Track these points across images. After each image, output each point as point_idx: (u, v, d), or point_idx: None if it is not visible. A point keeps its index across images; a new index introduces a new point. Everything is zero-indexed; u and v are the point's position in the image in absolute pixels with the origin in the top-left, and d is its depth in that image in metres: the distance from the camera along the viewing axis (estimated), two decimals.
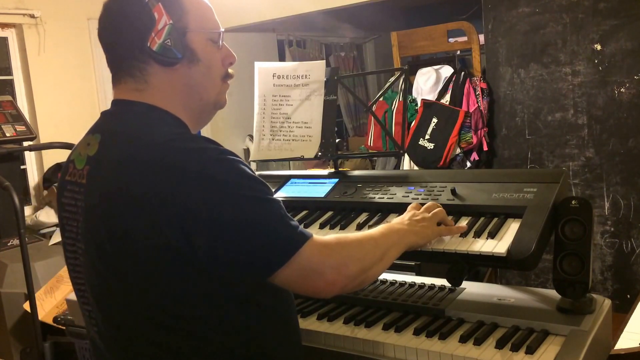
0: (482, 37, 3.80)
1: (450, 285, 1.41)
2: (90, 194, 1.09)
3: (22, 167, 4.21)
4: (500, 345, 1.18)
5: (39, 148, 3.80)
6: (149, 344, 1.07)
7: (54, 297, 2.98)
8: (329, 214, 1.58)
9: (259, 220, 1.02)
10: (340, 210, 1.58)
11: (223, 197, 1.00)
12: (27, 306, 2.91)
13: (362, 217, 1.52)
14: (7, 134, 3.41)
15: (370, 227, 1.45)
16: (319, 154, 1.76)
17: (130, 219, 1.01)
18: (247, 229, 1.01)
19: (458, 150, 3.74)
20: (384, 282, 1.56)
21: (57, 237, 3.53)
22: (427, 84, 3.96)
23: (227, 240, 1.00)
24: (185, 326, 1.05)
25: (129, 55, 1.12)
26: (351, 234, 1.31)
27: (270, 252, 1.02)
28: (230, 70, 1.23)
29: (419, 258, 1.42)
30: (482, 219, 1.37)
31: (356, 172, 1.74)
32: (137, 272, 1.04)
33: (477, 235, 1.31)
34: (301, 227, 1.07)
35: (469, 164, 3.74)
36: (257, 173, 1.83)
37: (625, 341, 1.45)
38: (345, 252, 1.10)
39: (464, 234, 1.33)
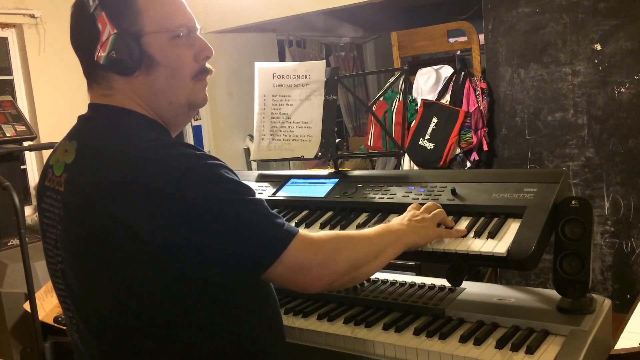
0: (482, 37, 3.80)
1: (450, 285, 1.41)
2: (68, 203, 1.07)
3: (22, 167, 4.22)
4: (500, 345, 1.18)
5: (39, 148, 3.80)
6: (129, 350, 1.06)
7: (54, 297, 2.98)
8: (329, 214, 1.58)
9: (244, 221, 1.01)
10: (340, 210, 1.58)
11: (206, 203, 0.99)
12: (27, 306, 2.91)
13: (362, 217, 1.52)
14: (7, 134, 3.41)
15: (370, 227, 1.45)
16: (319, 154, 1.76)
17: (107, 230, 1.00)
18: (234, 231, 1.00)
19: (458, 150, 3.74)
20: (384, 282, 1.56)
21: None
22: (427, 84, 3.96)
23: (213, 245, 0.99)
24: (165, 332, 1.04)
25: (88, 64, 1.11)
26: (345, 231, 1.30)
27: (258, 252, 1.02)
28: (207, 65, 1.16)
29: (419, 258, 1.42)
30: (482, 219, 1.37)
31: (356, 172, 1.74)
32: (117, 279, 1.02)
33: (477, 235, 1.31)
34: (287, 223, 1.07)
35: (469, 164, 3.74)
36: (257, 173, 1.85)
37: (625, 341, 1.45)
38: (334, 248, 1.10)
39: (463, 235, 1.33)
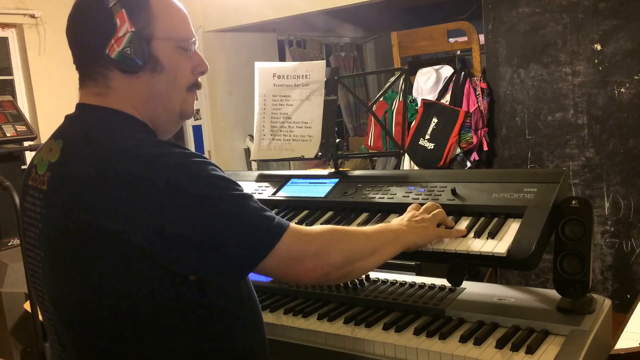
0: (482, 37, 3.81)
1: (450, 285, 1.41)
2: (51, 203, 1.06)
3: (22, 167, 4.21)
4: (500, 345, 1.18)
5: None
6: (105, 351, 1.06)
7: None
8: (329, 214, 1.58)
9: (236, 215, 1.02)
10: (340, 210, 1.58)
11: (194, 202, 0.99)
12: (27, 306, 2.91)
13: (362, 217, 1.52)
14: (8, 134, 3.41)
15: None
16: (319, 154, 1.76)
17: (92, 224, 0.99)
18: (226, 225, 1.00)
19: (458, 150, 3.74)
20: (384, 282, 1.56)
21: None
22: (427, 84, 3.96)
23: (206, 239, 0.99)
24: (145, 336, 1.04)
25: (90, 59, 1.10)
26: (342, 226, 1.31)
27: (251, 246, 1.02)
28: (199, 80, 1.19)
29: (419, 258, 1.42)
30: (482, 219, 1.37)
31: (356, 172, 1.74)
32: (98, 275, 1.01)
33: (477, 235, 1.31)
34: (278, 217, 1.07)
35: (469, 164, 3.74)
36: (257, 173, 1.85)
37: (625, 341, 1.45)
38: (328, 240, 1.11)
39: (463, 234, 1.33)
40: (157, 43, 1.10)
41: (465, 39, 4.01)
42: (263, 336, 1.22)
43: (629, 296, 3.31)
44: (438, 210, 1.34)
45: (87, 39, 1.09)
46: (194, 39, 1.16)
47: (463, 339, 1.21)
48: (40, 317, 2.75)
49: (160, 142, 1.08)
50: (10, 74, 4.35)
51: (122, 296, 1.01)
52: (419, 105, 3.90)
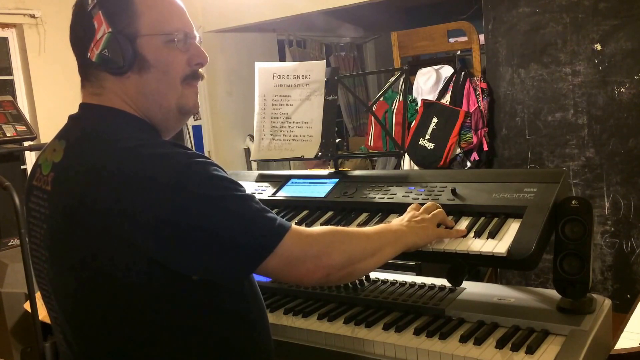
0: (482, 37, 3.81)
1: (450, 285, 1.41)
2: (55, 202, 1.07)
3: (22, 167, 4.21)
4: (500, 345, 1.18)
5: (39, 148, 3.79)
6: (107, 349, 1.06)
7: None
8: (329, 214, 1.58)
9: (238, 215, 1.02)
10: (340, 210, 1.58)
11: (196, 202, 0.99)
12: (27, 306, 2.91)
13: (362, 217, 1.52)
14: (8, 134, 3.40)
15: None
16: (319, 154, 1.76)
17: (97, 236, 0.99)
18: (227, 228, 1.00)
19: (458, 150, 3.74)
20: (384, 282, 1.56)
21: None
22: (427, 84, 3.96)
23: (208, 238, 0.99)
24: (146, 334, 1.04)
25: (84, 62, 1.11)
26: (343, 227, 1.31)
27: (253, 247, 1.02)
28: (200, 71, 1.17)
29: (419, 258, 1.42)
30: (482, 219, 1.37)
31: (356, 172, 1.74)
32: (101, 275, 1.01)
33: (478, 235, 1.31)
34: (280, 218, 1.07)
35: (469, 164, 3.74)
36: (257, 173, 1.85)
37: (625, 341, 1.45)
38: (329, 241, 1.11)
39: (463, 234, 1.33)
40: (142, 40, 1.08)
41: (465, 39, 4.01)
42: (268, 335, 1.22)
43: (629, 296, 3.31)
44: (438, 210, 1.34)
45: (76, 44, 1.12)
46: (187, 30, 1.13)
47: (463, 339, 1.21)
48: (42, 317, 2.75)
49: (162, 142, 1.09)
50: (10, 74, 4.35)
51: (124, 295, 1.02)
52: (419, 105, 3.90)
